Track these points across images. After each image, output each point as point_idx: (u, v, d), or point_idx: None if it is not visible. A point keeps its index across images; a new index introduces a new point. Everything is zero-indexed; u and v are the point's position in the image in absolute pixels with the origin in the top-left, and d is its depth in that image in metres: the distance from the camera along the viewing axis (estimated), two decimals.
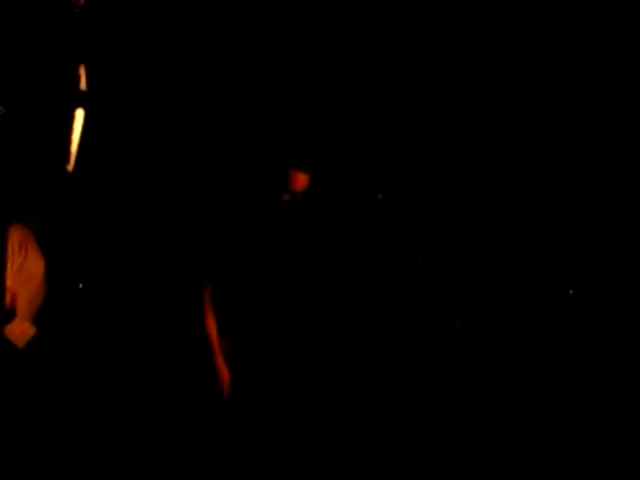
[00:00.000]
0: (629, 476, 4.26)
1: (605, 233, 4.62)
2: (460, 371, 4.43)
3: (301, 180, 4.26)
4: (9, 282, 3.52)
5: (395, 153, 4.93)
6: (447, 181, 4.88)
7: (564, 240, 4.72)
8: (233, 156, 4.77)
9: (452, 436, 4.38)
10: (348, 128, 4.91)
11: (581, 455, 4.39)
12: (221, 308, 4.25)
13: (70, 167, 4.42)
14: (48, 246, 3.78)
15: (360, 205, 4.56)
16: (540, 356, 4.59)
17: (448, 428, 4.36)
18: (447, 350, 4.38)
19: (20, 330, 3.63)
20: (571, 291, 4.57)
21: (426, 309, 4.41)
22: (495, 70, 4.82)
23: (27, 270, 3.64)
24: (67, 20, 4.38)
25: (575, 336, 4.57)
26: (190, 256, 4.40)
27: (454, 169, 4.88)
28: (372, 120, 4.93)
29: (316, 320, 4.34)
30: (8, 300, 3.58)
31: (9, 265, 3.55)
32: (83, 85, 4.43)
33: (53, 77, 4.42)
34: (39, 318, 3.68)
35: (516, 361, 4.60)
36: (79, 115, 4.44)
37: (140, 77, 4.68)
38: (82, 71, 4.42)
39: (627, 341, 4.50)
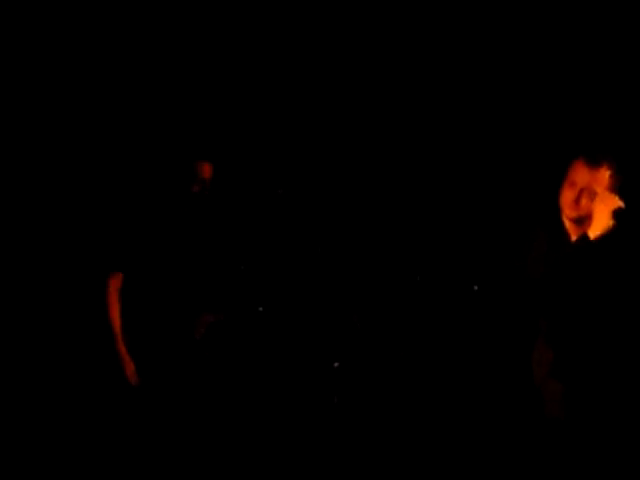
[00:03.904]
0: None
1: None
2: (365, 364, 4.44)
3: (207, 169, 4.35)
4: None
5: (296, 148, 4.96)
6: (348, 174, 4.90)
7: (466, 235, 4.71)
8: (141, 148, 4.83)
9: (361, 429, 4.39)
10: (250, 123, 4.96)
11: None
12: (129, 300, 4.33)
13: None
14: None
15: (261, 199, 4.61)
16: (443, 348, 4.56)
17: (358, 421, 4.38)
18: (349, 343, 4.40)
19: None
20: (476, 287, 4.51)
21: (325, 302, 4.43)
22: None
23: None
24: None
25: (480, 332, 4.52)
26: (98, 247, 4.46)
27: (355, 162, 4.89)
28: (275, 115, 4.98)
29: (221, 311, 4.40)
30: None
31: None
32: None
33: None
34: None
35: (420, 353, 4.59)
36: None
37: None
38: None
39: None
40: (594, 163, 3.74)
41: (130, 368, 4.31)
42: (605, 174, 3.74)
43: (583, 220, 3.78)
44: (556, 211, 3.85)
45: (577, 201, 3.76)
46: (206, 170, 4.40)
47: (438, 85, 4.87)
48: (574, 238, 3.82)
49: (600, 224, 3.69)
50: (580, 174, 3.75)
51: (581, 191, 3.75)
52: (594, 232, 3.71)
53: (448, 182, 4.78)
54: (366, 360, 4.44)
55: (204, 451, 4.24)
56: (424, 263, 4.67)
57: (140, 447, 4.19)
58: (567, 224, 3.86)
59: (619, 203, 3.66)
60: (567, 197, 3.79)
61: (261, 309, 4.37)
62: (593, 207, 3.72)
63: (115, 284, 4.36)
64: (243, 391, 4.41)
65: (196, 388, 4.29)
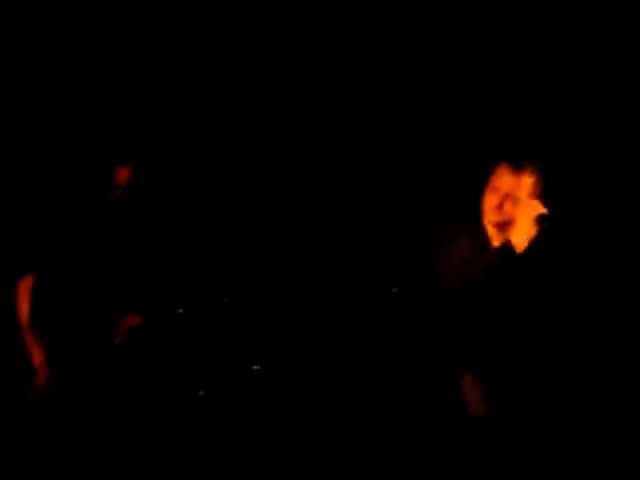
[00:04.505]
0: None
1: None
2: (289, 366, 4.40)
3: (122, 173, 4.27)
4: None
5: (219, 150, 4.90)
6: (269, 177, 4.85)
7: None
8: (56, 150, 4.71)
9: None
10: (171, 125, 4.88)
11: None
12: (43, 302, 4.24)
13: None
14: None
15: (182, 200, 4.55)
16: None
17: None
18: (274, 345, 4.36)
19: None
20: (395, 290, 4.48)
21: (250, 305, 4.40)
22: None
23: None
24: None
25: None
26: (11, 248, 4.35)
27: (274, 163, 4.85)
28: (196, 116, 4.90)
29: (141, 314, 4.31)
30: None
31: None
32: None
33: None
34: None
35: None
36: None
37: None
38: None
39: None
40: (518, 168, 3.74)
41: (38, 357, 4.21)
42: (529, 180, 3.74)
43: (506, 226, 3.78)
44: (479, 216, 3.85)
45: (500, 206, 3.76)
46: (123, 174, 4.33)
47: (358, 87, 4.83)
48: (496, 244, 3.82)
49: (523, 230, 3.70)
50: (503, 179, 3.75)
51: (504, 196, 3.74)
52: (517, 238, 3.71)
53: (369, 183, 4.76)
54: (290, 362, 4.39)
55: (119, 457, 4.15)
56: (345, 265, 4.64)
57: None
58: (489, 229, 3.85)
59: (542, 209, 3.67)
60: (490, 202, 3.78)
61: (181, 311, 4.30)
62: (516, 213, 3.72)
63: (26, 285, 4.27)
64: (165, 395, 4.32)
65: (116, 394, 4.21)
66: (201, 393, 4.23)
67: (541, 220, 3.64)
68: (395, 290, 4.40)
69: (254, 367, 4.35)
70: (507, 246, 3.74)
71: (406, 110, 4.70)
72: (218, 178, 4.72)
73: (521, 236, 3.71)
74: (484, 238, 3.85)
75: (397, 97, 4.70)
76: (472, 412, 3.78)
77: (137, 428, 4.18)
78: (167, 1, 4.78)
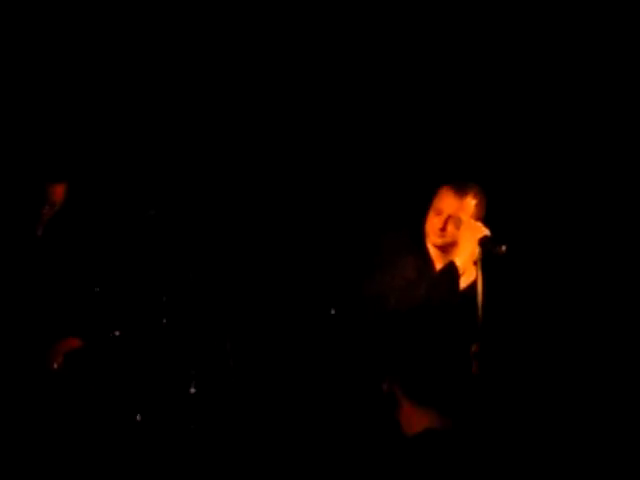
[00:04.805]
0: None
1: None
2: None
3: (58, 191, 4.17)
4: None
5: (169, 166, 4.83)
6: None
7: None
8: None
9: None
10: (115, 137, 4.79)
11: None
12: None
13: None
14: None
15: (131, 221, 4.45)
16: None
17: None
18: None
19: None
20: (333, 311, 4.47)
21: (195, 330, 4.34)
22: None
23: None
24: None
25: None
26: None
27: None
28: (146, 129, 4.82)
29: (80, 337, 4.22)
30: None
31: None
32: None
33: None
34: None
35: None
36: None
37: None
38: None
39: None
40: (461, 191, 3.78)
41: None
42: (471, 202, 3.78)
43: (448, 247, 3.81)
44: (422, 237, 3.87)
45: (443, 228, 3.79)
46: (58, 191, 4.21)
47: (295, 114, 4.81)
48: (439, 265, 3.84)
49: (465, 252, 3.73)
50: (446, 201, 3.78)
51: (447, 218, 3.77)
52: (460, 259, 3.74)
53: (310, 204, 4.75)
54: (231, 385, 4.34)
55: None
56: (284, 286, 4.63)
57: None
58: (432, 251, 3.88)
59: (484, 232, 3.70)
60: (433, 224, 3.82)
61: (118, 333, 4.20)
62: (459, 235, 3.75)
63: None
64: (105, 419, 4.22)
65: (54, 418, 4.10)
66: (138, 417, 4.15)
67: (484, 242, 3.67)
68: (333, 312, 4.39)
69: (192, 390, 4.29)
70: (450, 267, 3.78)
71: (348, 132, 4.71)
72: (153, 199, 4.64)
73: (464, 257, 3.74)
74: (427, 260, 3.88)
75: (340, 118, 4.71)
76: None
77: (74, 455, 4.09)
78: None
